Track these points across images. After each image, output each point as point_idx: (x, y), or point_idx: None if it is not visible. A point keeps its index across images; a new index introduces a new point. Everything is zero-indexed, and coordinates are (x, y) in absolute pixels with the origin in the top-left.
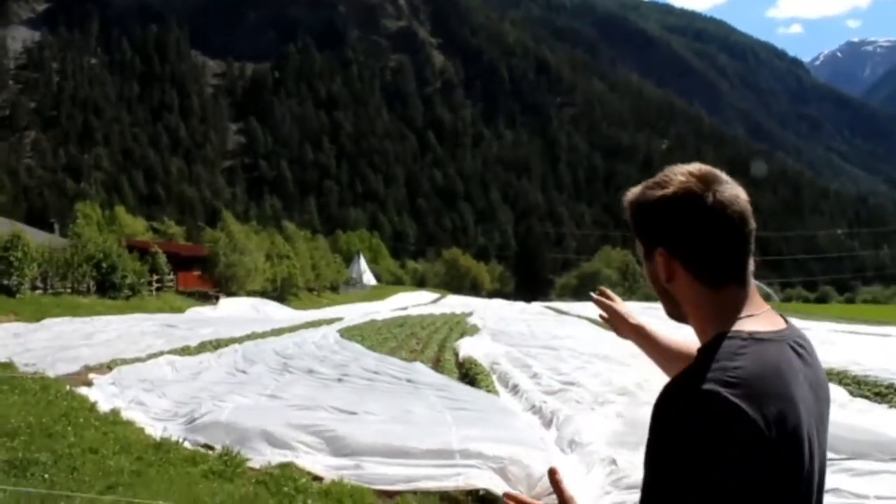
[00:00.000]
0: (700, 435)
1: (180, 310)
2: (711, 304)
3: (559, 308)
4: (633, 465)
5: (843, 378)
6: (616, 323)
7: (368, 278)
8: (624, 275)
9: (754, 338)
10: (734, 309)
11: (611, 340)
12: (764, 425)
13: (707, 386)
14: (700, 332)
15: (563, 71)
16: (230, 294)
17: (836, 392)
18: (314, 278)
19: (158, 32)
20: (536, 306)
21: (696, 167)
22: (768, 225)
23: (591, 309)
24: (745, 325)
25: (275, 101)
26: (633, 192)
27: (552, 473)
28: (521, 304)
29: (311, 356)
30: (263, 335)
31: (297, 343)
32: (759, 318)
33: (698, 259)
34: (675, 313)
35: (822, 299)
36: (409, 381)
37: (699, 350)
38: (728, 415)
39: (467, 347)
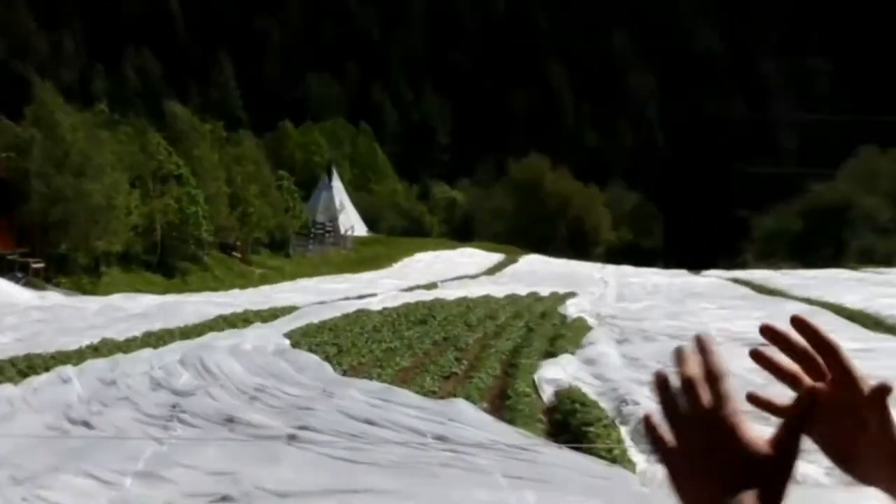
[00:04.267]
0: None
1: None
2: None
3: (764, 282)
4: None
5: None
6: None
7: (350, 220)
8: None
9: None
10: None
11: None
12: None
13: None
14: None
15: None
16: (58, 260)
17: None
18: (237, 224)
19: None
20: (713, 278)
21: None
22: None
23: (838, 286)
24: None
25: None
26: None
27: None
28: (679, 276)
29: (229, 387)
30: (128, 346)
31: (201, 358)
32: None
33: None
34: None
35: None
36: (440, 438)
37: None
38: None
39: (565, 368)
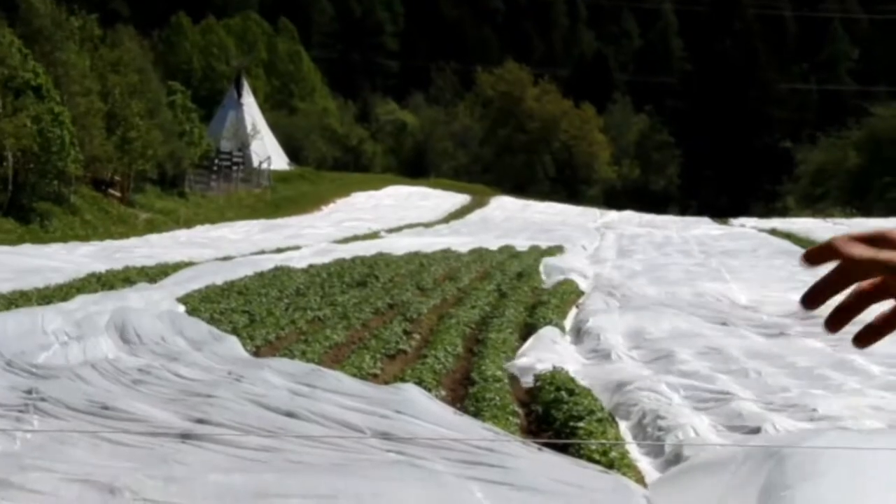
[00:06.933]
0: None
1: None
2: None
3: (810, 234)
4: None
5: None
6: None
7: (266, 149)
8: None
9: None
10: None
11: None
12: None
13: None
14: None
15: None
16: None
17: None
18: (115, 154)
19: None
20: (744, 228)
21: None
22: None
23: None
24: None
25: None
26: None
27: None
28: (700, 225)
29: (104, 368)
30: None
31: (66, 329)
32: None
33: None
34: None
35: None
36: (382, 436)
37: None
38: None
39: (548, 345)
